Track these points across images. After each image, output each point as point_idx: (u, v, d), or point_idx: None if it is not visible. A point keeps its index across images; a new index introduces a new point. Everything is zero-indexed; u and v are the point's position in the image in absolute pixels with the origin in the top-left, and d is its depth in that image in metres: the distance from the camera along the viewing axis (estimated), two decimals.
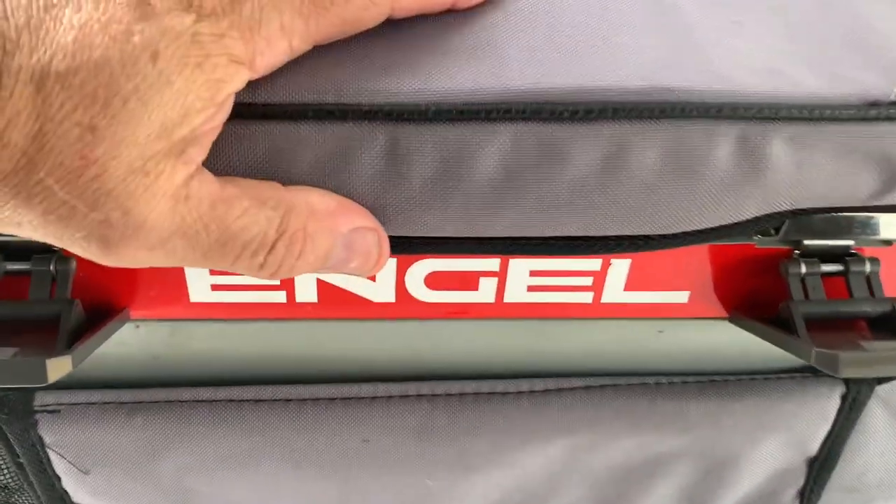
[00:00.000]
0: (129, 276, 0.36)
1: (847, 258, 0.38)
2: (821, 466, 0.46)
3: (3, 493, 0.46)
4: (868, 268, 0.38)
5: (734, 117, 0.30)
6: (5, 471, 0.44)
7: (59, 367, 0.29)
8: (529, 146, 0.30)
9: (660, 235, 0.34)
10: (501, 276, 0.38)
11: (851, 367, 0.32)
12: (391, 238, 0.33)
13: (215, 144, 0.27)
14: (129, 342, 0.39)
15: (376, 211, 0.31)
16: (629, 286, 0.39)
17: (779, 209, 0.34)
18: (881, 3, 0.35)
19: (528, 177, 0.30)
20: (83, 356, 0.31)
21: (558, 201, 0.31)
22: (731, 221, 0.34)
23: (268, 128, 0.29)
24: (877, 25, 0.34)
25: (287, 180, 0.29)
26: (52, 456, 0.40)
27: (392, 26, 0.31)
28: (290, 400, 0.40)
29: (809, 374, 0.44)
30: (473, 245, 0.33)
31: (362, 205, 0.31)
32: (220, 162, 0.29)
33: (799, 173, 0.32)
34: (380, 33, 0.30)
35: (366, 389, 0.41)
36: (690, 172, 0.31)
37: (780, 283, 0.39)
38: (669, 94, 0.30)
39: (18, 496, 0.46)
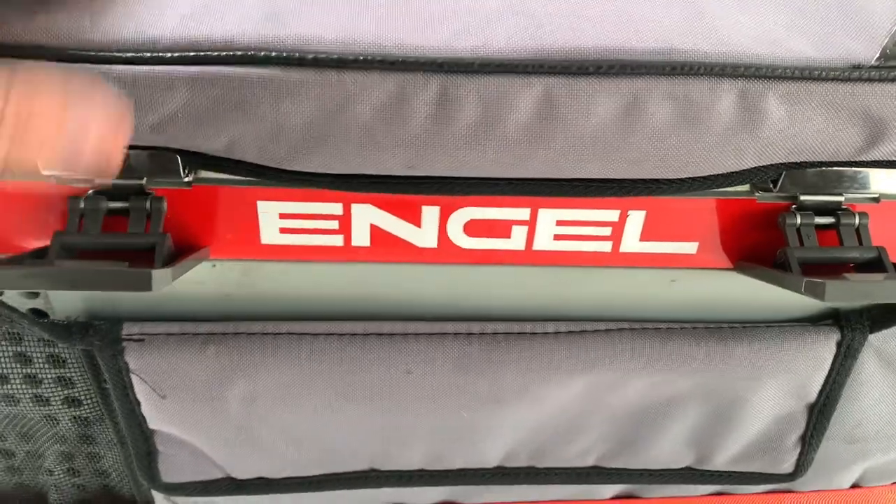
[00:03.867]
0: (210, 218, 0.42)
1: (839, 212, 0.43)
2: (819, 413, 0.51)
3: (82, 426, 0.52)
4: (857, 220, 0.43)
5: (735, 75, 0.36)
6: (87, 402, 0.50)
7: (162, 279, 0.35)
8: (559, 96, 0.35)
9: (668, 180, 0.39)
10: (531, 224, 0.43)
11: (836, 293, 0.37)
12: (436, 179, 0.38)
13: (296, 86, 0.34)
14: (205, 280, 0.45)
15: (427, 150, 0.36)
16: (644, 236, 0.44)
17: (774, 161, 0.39)
18: None
19: (557, 123, 0.36)
20: (180, 273, 0.37)
21: (583, 145, 0.36)
22: (732, 170, 0.39)
23: (340, 76, 0.34)
24: (866, 4, 0.39)
25: (353, 120, 0.35)
26: (135, 381, 0.45)
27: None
28: (344, 334, 0.45)
29: (808, 323, 0.48)
30: (506, 186, 0.39)
31: (416, 144, 0.36)
32: (298, 109, 0.35)
33: (791, 126, 0.37)
34: (436, 3, 0.36)
35: (409, 326, 0.46)
36: (696, 123, 0.36)
37: (779, 235, 0.43)
38: (679, 54, 0.35)
39: (96, 427, 0.52)
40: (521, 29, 0.36)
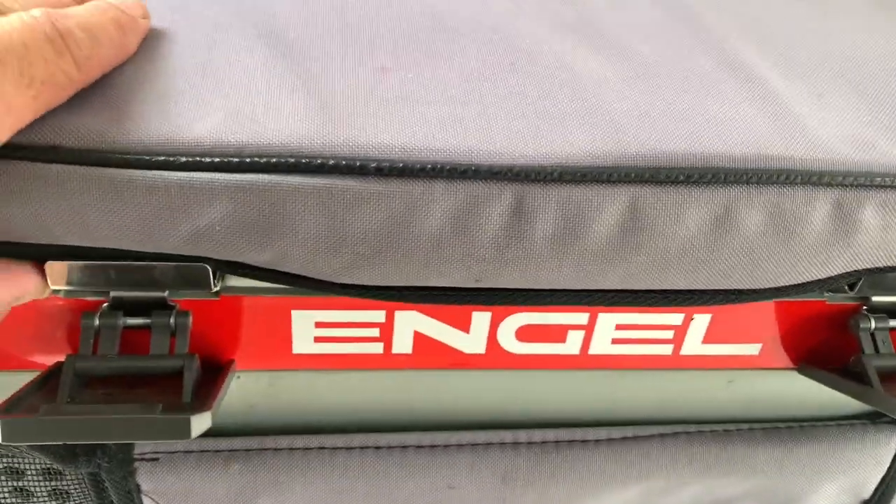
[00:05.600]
0: (237, 330, 0.37)
1: None
2: None
3: None
4: None
5: (832, 184, 0.33)
6: None
7: (201, 424, 0.30)
8: (646, 207, 0.32)
9: (751, 290, 0.36)
10: (589, 329, 0.40)
11: None
12: (506, 290, 0.35)
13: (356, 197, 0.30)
14: (228, 392, 0.40)
15: (498, 264, 0.33)
16: (707, 339, 0.41)
17: (859, 268, 0.36)
18: None
19: (642, 236, 0.32)
20: (217, 412, 0.32)
21: (668, 259, 0.33)
22: (817, 278, 0.36)
23: (405, 186, 0.30)
24: None
25: (419, 233, 0.31)
26: (147, 503, 0.40)
27: (505, 90, 0.34)
28: (380, 447, 0.41)
29: (868, 420, 0.46)
30: (580, 298, 0.35)
31: (487, 259, 0.32)
32: (356, 222, 0.31)
33: (884, 236, 0.34)
34: (500, 100, 0.33)
35: (452, 437, 0.42)
36: (789, 234, 0.33)
37: (848, 336, 0.41)
38: (775, 161, 0.32)
39: None
40: (601, 131, 0.33)
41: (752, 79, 0.37)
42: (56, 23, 0.28)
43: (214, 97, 0.32)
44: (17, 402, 0.31)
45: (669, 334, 0.40)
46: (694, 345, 0.41)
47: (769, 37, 0.41)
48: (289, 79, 0.33)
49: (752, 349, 0.42)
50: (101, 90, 0.31)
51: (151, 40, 0.35)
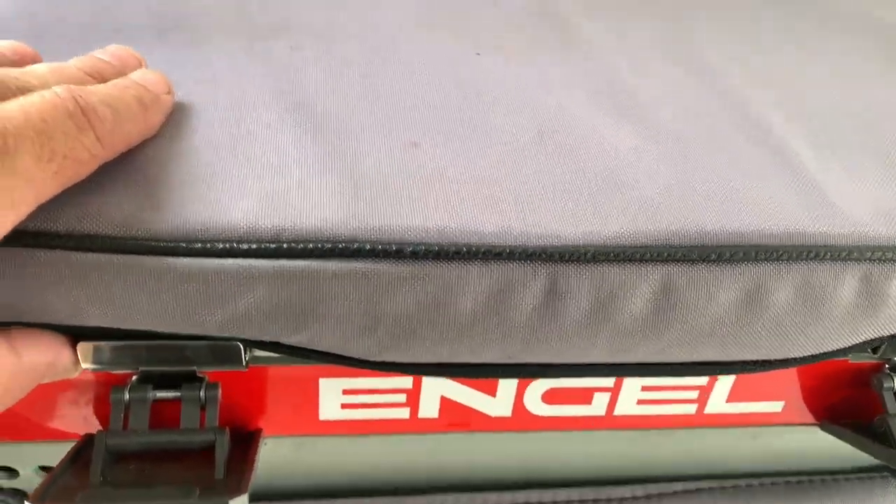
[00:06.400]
0: (265, 398, 0.37)
1: None
2: None
3: None
4: None
5: (860, 259, 0.33)
6: None
7: None
8: (679, 285, 0.32)
9: (778, 360, 0.36)
10: (615, 391, 0.40)
11: None
12: (534, 366, 0.35)
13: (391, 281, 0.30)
14: None
15: (530, 343, 0.33)
16: (731, 398, 0.41)
17: (884, 334, 0.36)
18: None
19: (674, 313, 0.32)
20: (250, 490, 0.32)
21: (699, 334, 0.33)
22: (843, 346, 0.36)
23: (441, 269, 0.30)
24: None
25: (453, 315, 0.31)
26: None
27: (536, 165, 0.34)
28: None
29: (889, 474, 0.46)
30: (609, 370, 0.36)
31: (519, 338, 0.32)
32: (391, 305, 0.31)
33: None
34: (531, 177, 0.33)
35: (476, 499, 0.42)
36: (817, 308, 0.33)
37: (870, 394, 0.41)
38: (804, 237, 0.32)
39: None
40: (633, 208, 0.33)
41: (779, 151, 0.37)
42: (78, 99, 0.28)
43: (247, 179, 0.32)
44: (51, 486, 0.31)
45: (694, 395, 0.41)
46: (718, 404, 0.41)
47: (793, 101, 0.41)
48: (320, 157, 0.33)
49: (776, 406, 0.42)
50: (133, 171, 0.31)
51: (178, 115, 0.35)
